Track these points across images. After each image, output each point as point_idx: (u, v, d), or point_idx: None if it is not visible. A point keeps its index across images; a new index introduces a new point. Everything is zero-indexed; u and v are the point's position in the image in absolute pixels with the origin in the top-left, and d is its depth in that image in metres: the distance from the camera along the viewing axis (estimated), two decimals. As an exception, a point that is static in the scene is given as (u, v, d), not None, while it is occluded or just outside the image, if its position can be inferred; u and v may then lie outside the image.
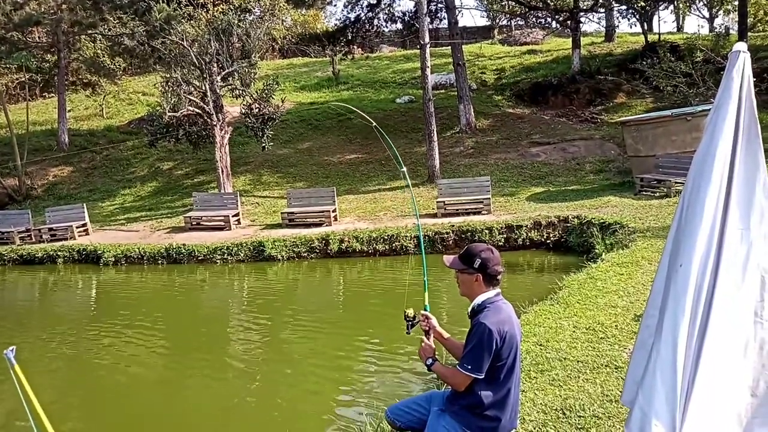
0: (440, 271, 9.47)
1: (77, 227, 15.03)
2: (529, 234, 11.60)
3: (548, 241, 11.52)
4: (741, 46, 1.98)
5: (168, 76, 16.46)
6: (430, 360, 3.14)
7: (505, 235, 11.65)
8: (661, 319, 2.02)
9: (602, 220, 10.78)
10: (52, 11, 20.84)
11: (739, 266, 1.97)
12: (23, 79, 26.37)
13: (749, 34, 22.13)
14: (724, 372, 1.87)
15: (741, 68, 1.93)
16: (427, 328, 3.27)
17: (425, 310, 3.31)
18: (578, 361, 4.62)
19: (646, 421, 1.92)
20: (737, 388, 1.87)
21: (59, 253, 13.81)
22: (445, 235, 11.83)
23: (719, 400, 1.85)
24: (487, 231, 11.64)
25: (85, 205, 15.97)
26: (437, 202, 13.37)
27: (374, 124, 4.25)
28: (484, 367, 2.90)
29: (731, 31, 22.71)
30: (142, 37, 18.10)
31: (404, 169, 3.86)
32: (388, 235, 12.09)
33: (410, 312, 3.29)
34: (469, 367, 2.90)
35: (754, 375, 1.89)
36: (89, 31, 22.65)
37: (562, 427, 3.62)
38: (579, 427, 3.61)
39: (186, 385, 6.70)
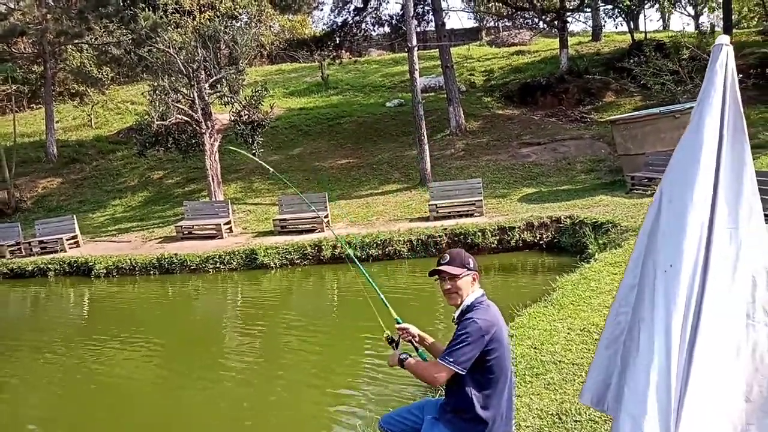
0: (424, 276, 9.45)
1: (68, 239, 14.91)
2: (522, 235, 11.60)
3: (541, 242, 11.53)
4: (723, 39, 1.96)
5: (156, 84, 16.38)
6: (400, 358, 3.07)
7: (498, 237, 11.64)
8: (643, 318, 1.99)
9: (594, 220, 10.80)
10: (37, 21, 20.72)
11: (729, 266, 1.94)
12: (9, 90, 26.18)
13: (734, 30, 22.30)
14: (716, 376, 1.85)
15: (724, 61, 1.91)
16: (410, 339, 3.25)
17: (398, 323, 3.29)
18: (573, 364, 4.60)
19: (637, 428, 1.89)
20: (730, 392, 1.84)
21: (50, 265, 13.68)
22: (438, 239, 11.81)
23: (712, 406, 1.83)
24: (479, 233, 11.63)
25: (75, 216, 15.85)
26: (429, 205, 13.35)
27: (272, 170, 4.23)
28: (467, 362, 2.83)
29: (716, 29, 22.89)
30: (129, 46, 17.97)
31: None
32: (381, 240, 12.05)
33: (387, 333, 3.28)
34: (451, 359, 2.83)
35: (747, 379, 1.87)
36: (75, 41, 22.50)
37: (558, 432, 3.59)
38: (575, 431, 3.59)
39: (180, 394, 6.64)
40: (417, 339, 3.27)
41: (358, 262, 3.95)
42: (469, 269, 3.01)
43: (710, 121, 1.97)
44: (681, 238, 1.93)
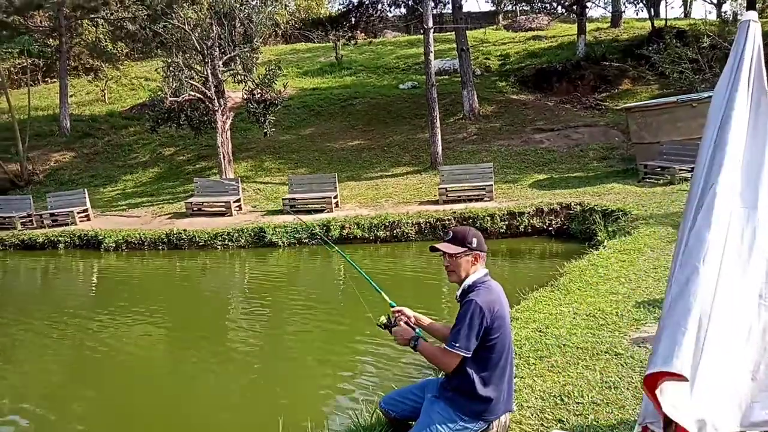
0: (431, 258, 9.42)
1: (78, 213, 15.01)
2: (531, 221, 11.53)
3: (550, 228, 11.45)
4: (751, 14, 1.89)
5: (169, 60, 16.33)
6: (413, 342, 3.08)
7: (507, 222, 11.57)
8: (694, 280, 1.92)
9: (605, 207, 10.70)
10: (53, -5, 20.70)
11: (746, 247, 1.89)
12: (25, 64, 26.26)
13: (760, 19, 21.80)
14: (725, 355, 1.80)
15: (753, 37, 1.84)
16: (405, 320, 3.23)
17: (392, 307, 3.26)
18: (578, 348, 4.56)
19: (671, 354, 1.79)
20: (738, 371, 1.80)
21: (60, 238, 13.79)
22: (447, 222, 11.76)
23: (719, 384, 1.78)
24: (488, 218, 11.57)
25: (86, 190, 15.94)
26: (439, 188, 13.29)
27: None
28: (473, 344, 2.84)
29: (739, 17, 22.40)
30: (144, 22, 17.95)
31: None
32: (390, 222, 12.02)
33: (383, 318, 3.24)
34: (458, 345, 2.84)
35: (755, 358, 1.82)
36: (91, 16, 22.52)
37: (560, 414, 3.56)
38: (577, 413, 3.55)
39: (185, 370, 6.69)
40: (413, 321, 3.24)
41: (340, 250, 3.97)
42: (470, 249, 2.97)
43: (739, 98, 1.89)
44: (708, 220, 1.87)
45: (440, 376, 3.58)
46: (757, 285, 1.86)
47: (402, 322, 3.20)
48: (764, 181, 1.85)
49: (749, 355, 1.77)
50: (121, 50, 24.37)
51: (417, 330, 3.17)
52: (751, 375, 1.75)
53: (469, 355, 2.86)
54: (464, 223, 11.58)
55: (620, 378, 3.96)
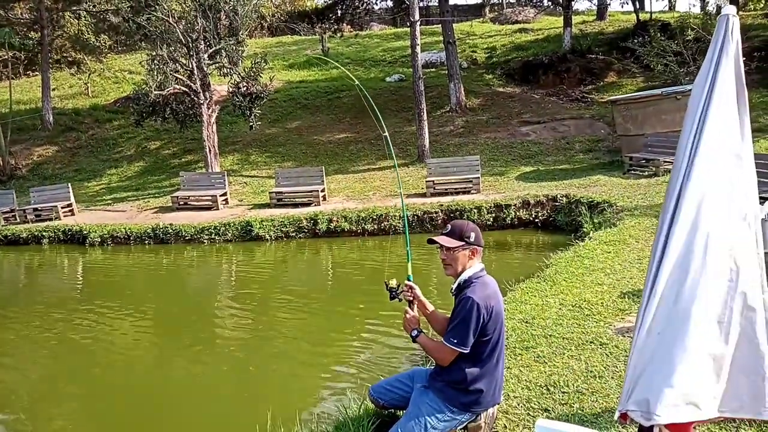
0: (426, 252, 9.47)
1: (62, 207, 14.85)
2: (518, 213, 11.58)
3: (537, 220, 11.51)
4: (730, 9, 1.91)
5: (154, 53, 16.15)
6: (416, 332, 3.12)
7: (493, 215, 11.62)
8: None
9: (591, 199, 10.78)
10: (33, -14, 20.37)
11: (719, 241, 1.89)
12: (6, 56, 25.82)
13: (740, 13, 22.00)
14: (697, 347, 1.82)
15: (731, 32, 1.87)
16: (411, 298, 3.24)
17: (408, 280, 3.27)
18: (563, 338, 4.61)
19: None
20: (709, 361, 1.80)
21: (44, 233, 13.65)
22: (434, 215, 11.79)
23: (693, 372, 1.79)
24: (475, 210, 11.60)
25: (70, 185, 15.76)
26: (426, 181, 13.30)
27: (356, 82, 4.14)
28: (470, 341, 2.88)
29: (722, 10, 22.54)
30: (127, 14, 17.70)
31: (386, 134, 3.78)
32: (377, 215, 12.03)
33: (393, 282, 3.26)
34: (455, 341, 2.88)
35: (723, 349, 1.82)
36: (73, 8, 22.21)
37: (546, 403, 3.61)
38: (563, 402, 3.60)
39: (172, 363, 6.66)
40: (417, 303, 3.25)
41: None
42: (468, 243, 2.99)
43: (718, 90, 1.91)
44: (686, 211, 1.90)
45: (428, 365, 3.61)
46: (724, 279, 1.86)
47: (407, 299, 3.22)
48: (740, 174, 1.88)
49: (717, 346, 1.79)
50: (105, 43, 24.03)
51: (414, 305, 3.22)
52: (720, 364, 1.78)
53: (467, 351, 2.89)
54: (452, 215, 11.61)
55: (605, 367, 4.01)
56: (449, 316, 3.08)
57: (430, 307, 3.33)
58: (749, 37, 19.61)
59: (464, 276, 3.01)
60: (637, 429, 1.96)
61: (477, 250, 3.01)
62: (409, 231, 3.44)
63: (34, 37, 23.53)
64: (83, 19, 23.09)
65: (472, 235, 2.99)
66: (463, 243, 2.99)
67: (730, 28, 1.89)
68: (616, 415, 1.91)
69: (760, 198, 2.26)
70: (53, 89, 23.72)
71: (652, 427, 1.90)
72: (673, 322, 1.84)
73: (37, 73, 26.86)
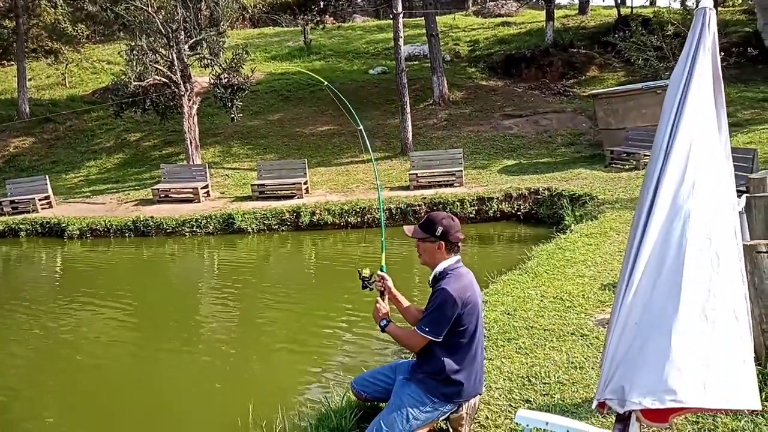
0: (404, 243, 9.47)
1: (40, 200, 14.62)
2: (500, 206, 11.65)
3: (519, 213, 11.59)
4: (707, 2, 1.93)
5: (133, 43, 15.90)
6: (384, 321, 3.16)
7: (476, 207, 11.68)
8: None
9: (572, 192, 10.88)
10: (8, -26, 19.91)
11: (698, 234, 1.90)
12: (-20, 45, 25.26)
13: (719, 9, 22.27)
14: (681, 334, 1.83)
15: (708, 25, 1.88)
16: (382, 289, 3.28)
17: (381, 270, 3.31)
18: (545, 330, 4.65)
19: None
20: (688, 349, 1.81)
21: (21, 226, 13.42)
22: (417, 207, 11.81)
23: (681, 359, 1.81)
24: (458, 203, 11.65)
25: (47, 177, 15.51)
26: (409, 174, 13.31)
27: (326, 83, 4.12)
28: (443, 331, 2.91)
29: (700, 3, 22.79)
30: (105, 3, 17.39)
31: (361, 127, 3.80)
32: (360, 208, 12.02)
33: (366, 272, 3.31)
34: (427, 329, 2.92)
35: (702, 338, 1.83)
36: (49, -4, 21.74)
37: (527, 394, 3.64)
38: (544, 393, 3.63)
39: (153, 356, 6.60)
40: (388, 294, 3.29)
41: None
42: (433, 236, 3.00)
43: (694, 84, 1.92)
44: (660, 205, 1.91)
45: (411, 357, 3.63)
46: (703, 270, 1.86)
47: (378, 290, 3.29)
48: (716, 167, 1.89)
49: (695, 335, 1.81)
50: (82, 32, 23.52)
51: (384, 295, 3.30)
52: (698, 353, 1.79)
53: (439, 340, 2.92)
54: (434, 208, 11.63)
55: (585, 358, 4.06)
56: (423, 309, 3.11)
57: (405, 303, 3.37)
58: (728, 32, 19.87)
59: (439, 268, 3.04)
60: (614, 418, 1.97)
61: (443, 245, 3.00)
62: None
63: (9, 26, 22.99)
64: (60, 8, 22.58)
65: (440, 229, 2.97)
66: (428, 236, 3.01)
67: (707, 21, 1.90)
68: (594, 403, 1.93)
69: (737, 191, 2.30)
70: (29, 79, 23.25)
71: (629, 415, 1.92)
72: (651, 312, 1.85)
73: (12, 62, 26.23)
